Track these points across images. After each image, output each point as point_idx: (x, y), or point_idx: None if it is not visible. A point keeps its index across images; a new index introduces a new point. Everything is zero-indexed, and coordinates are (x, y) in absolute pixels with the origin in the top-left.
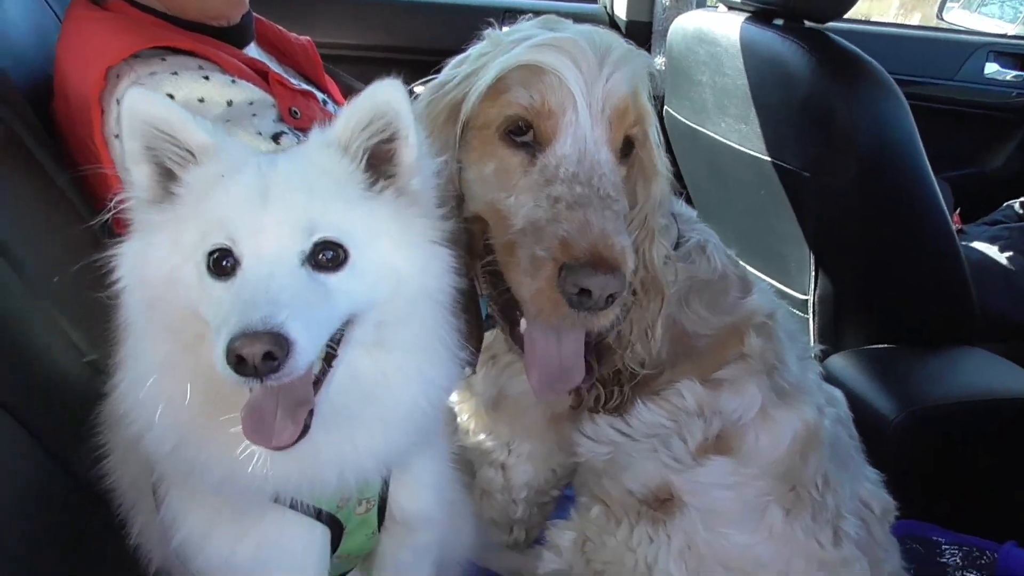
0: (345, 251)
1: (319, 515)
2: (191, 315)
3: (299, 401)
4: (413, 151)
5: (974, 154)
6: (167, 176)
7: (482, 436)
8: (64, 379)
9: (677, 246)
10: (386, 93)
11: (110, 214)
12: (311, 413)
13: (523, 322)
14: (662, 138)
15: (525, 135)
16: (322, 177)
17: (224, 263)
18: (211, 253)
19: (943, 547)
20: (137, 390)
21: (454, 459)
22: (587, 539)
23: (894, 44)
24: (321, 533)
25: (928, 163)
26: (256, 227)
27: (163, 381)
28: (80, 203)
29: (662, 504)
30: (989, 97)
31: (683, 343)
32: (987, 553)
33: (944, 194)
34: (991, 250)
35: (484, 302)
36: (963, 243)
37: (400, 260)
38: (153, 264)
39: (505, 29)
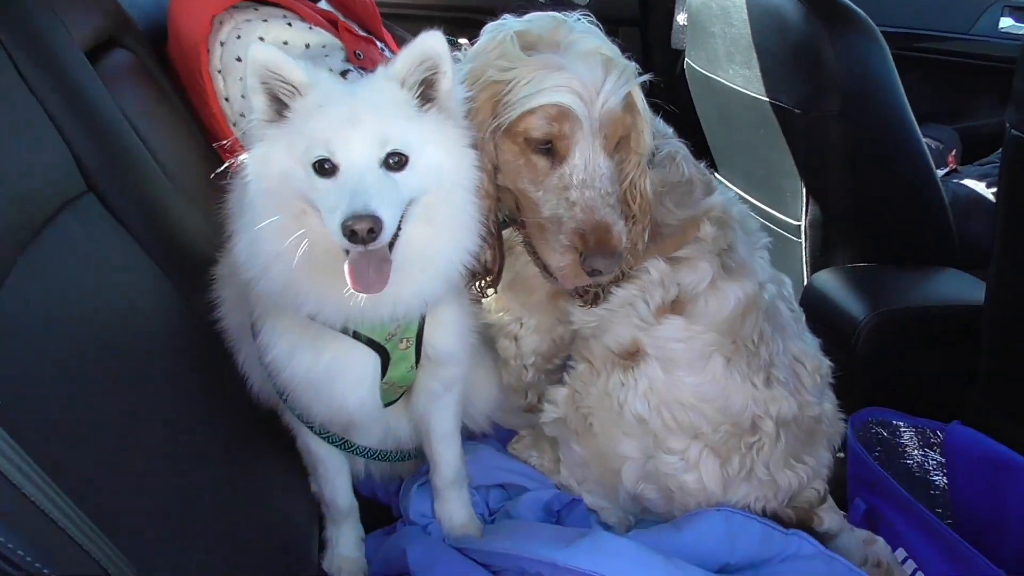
0: (407, 156)
1: (373, 345)
2: (298, 198)
3: (383, 259)
4: (449, 82)
5: (992, 107)
6: (279, 103)
7: (500, 313)
8: (195, 247)
9: (652, 157)
10: (432, 40)
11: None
12: (390, 268)
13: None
14: (647, 106)
15: (547, 145)
16: (390, 103)
17: (325, 167)
18: (317, 160)
19: (901, 429)
20: (255, 248)
21: (480, 335)
22: (576, 391)
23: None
24: (374, 358)
25: (906, 101)
26: (348, 143)
27: (275, 242)
28: (190, 118)
29: (631, 356)
30: (1003, 51)
31: (653, 231)
32: (936, 432)
33: (946, 138)
34: (979, 186)
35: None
36: (955, 180)
37: (442, 159)
38: (273, 164)
39: (512, 20)
